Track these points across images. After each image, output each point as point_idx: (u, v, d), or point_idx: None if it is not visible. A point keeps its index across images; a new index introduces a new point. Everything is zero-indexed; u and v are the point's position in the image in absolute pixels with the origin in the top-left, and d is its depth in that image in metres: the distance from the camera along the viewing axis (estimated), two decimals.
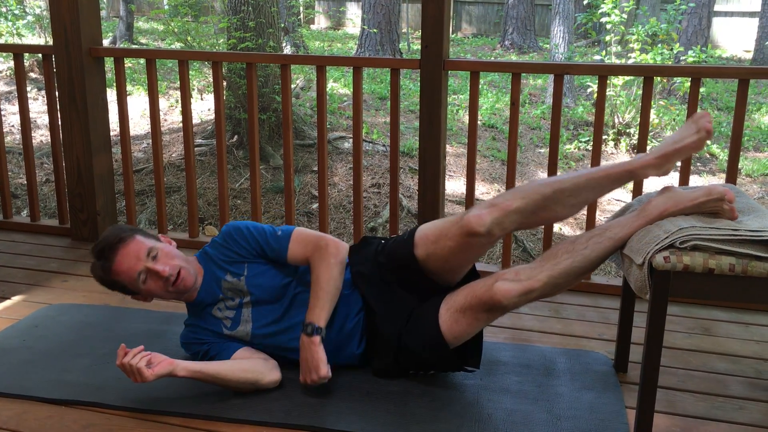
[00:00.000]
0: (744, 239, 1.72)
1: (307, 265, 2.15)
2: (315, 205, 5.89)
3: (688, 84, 2.84)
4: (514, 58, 12.69)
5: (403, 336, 2.09)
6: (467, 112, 3.07)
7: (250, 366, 2.08)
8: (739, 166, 6.16)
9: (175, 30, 7.37)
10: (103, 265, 2.06)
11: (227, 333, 2.16)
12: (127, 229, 2.10)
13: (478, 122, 7.02)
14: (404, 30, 13.81)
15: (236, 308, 2.17)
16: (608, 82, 6.43)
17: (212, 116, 7.53)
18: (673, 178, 5.28)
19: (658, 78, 7.14)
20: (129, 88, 8.72)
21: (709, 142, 8.53)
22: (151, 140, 3.38)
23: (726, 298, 1.79)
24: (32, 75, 8.81)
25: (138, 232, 2.11)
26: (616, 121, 7.96)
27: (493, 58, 12.30)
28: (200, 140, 6.98)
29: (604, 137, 7.71)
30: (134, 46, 12.25)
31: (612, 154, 7.78)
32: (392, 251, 2.15)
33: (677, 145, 1.92)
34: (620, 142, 7.88)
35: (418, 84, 2.95)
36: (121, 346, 1.92)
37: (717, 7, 13.17)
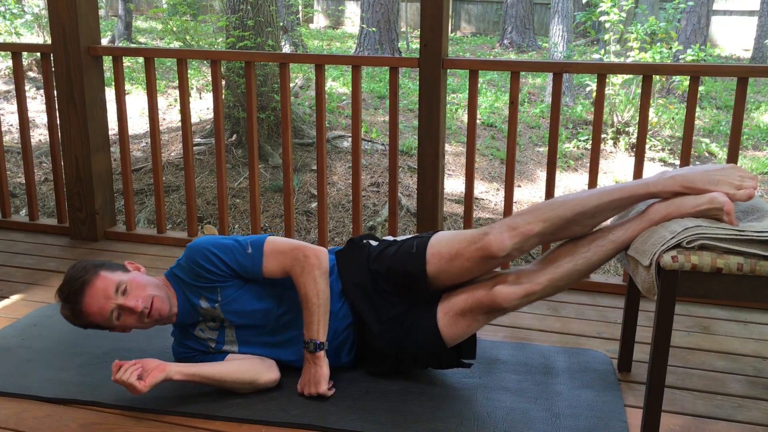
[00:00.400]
0: (751, 239, 1.72)
1: (286, 277, 2.05)
2: (314, 204, 5.89)
3: (687, 82, 2.84)
4: (513, 56, 12.70)
5: (400, 342, 2.08)
6: (466, 111, 3.07)
7: (246, 366, 2.06)
8: (739, 165, 6.15)
9: (174, 29, 7.37)
10: (73, 309, 1.94)
11: (214, 352, 2.13)
12: (90, 267, 1.97)
13: (477, 121, 7.00)
14: (403, 29, 13.81)
15: (218, 329, 2.11)
16: (607, 80, 6.43)
17: (211, 115, 7.52)
18: None
19: (657, 76, 7.14)
20: (127, 87, 8.71)
21: (707, 140, 8.42)
22: (149, 139, 3.38)
23: (734, 298, 1.78)
24: (30, 74, 8.81)
25: (102, 267, 1.98)
26: (615, 119, 7.96)
27: (492, 57, 12.30)
28: (199, 139, 6.97)
29: (603, 136, 7.71)
30: (133, 45, 12.24)
31: (611, 152, 7.78)
32: (398, 266, 2.06)
33: (710, 187, 1.85)
34: (619, 141, 7.88)
35: (417, 83, 2.95)
36: (115, 362, 1.91)
37: (716, 6, 13.18)
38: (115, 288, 1.94)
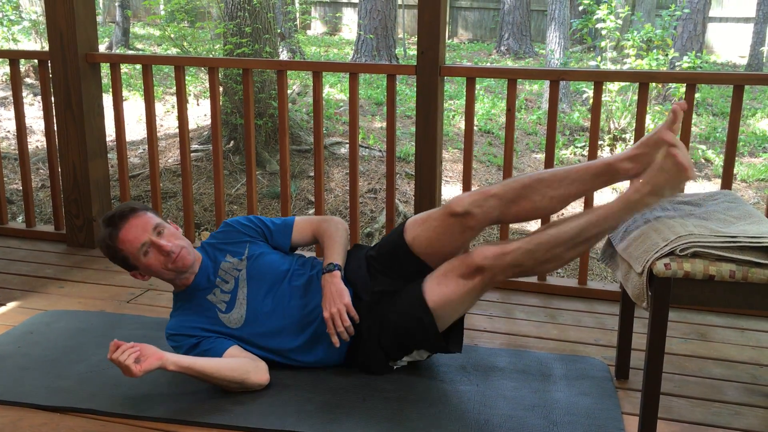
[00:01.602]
0: (743, 246, 1.72)
1: (310, 244, 2.38)
2: (311, 211, 5.89)
3: (684, 89, 2.85)
4: (510, 63, 12.73)
5: (388, 313, 2.14)
6: (463, 118, 3.08)
7: (238, 365, 2.09)
8: (735, 172, 6.16)
9: (172, 35, 7.37)
10: (111, 233, 2.13)
11: (221, 317, 2.19)
12: (140, 205, 2.20)
13: (474, 128, 7.01)
14: (400, 35, 13.83)
15: (231, 291, 2.22)
16: (604, 87, 6.45)
17: (208, 121, 7.52)
18: None
19: (654, 83, 7.17)
20: (125, 93, 8.71)
21: (704, 147, 8.45)
22: (147, 146, 3.38)
23: (726, 305, 1.79)
24: (28, 80, 8.80)
25: (150, 210, 2.20)
26: (612, 126, 7.98)
27: (489, 64, 12.33)
28: (196, 145, 6.97)
29: (599, 142, 7.72)
30: (130, 52, 12.25)
31: None
32: (386, 241, 2.29)
33: (653, 135, 1.95)
34: (616, 148, 7.89)
35: (415, 89, 2.95)
36: (114, 341, 1.93)
37: (712, 13, 13.21)
38: (154, 226, 2.15)
